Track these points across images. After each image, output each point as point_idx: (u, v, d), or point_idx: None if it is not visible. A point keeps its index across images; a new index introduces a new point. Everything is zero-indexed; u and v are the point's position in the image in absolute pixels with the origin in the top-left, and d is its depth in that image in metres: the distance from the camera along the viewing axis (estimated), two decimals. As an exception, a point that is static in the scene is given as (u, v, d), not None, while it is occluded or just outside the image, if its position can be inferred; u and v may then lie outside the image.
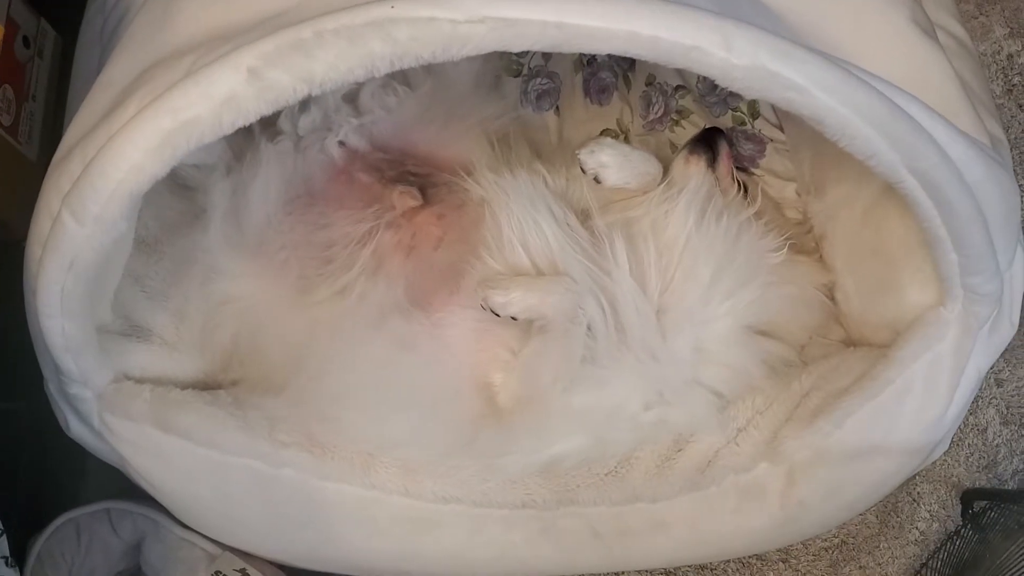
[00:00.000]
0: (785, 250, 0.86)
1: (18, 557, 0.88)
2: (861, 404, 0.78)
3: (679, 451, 0.85)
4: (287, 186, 0.89)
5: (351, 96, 0.91)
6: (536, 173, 0.90)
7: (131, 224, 0.69)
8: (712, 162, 0.91)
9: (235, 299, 0.88)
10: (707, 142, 0.92)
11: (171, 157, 0.64)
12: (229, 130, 0.63)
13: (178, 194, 0.87)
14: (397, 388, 0.84)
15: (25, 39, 1.00)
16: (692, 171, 0.90)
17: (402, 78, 0.92)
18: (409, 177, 0.93)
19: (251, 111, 0.62)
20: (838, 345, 0.89)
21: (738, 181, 0.94)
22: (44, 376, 0.82)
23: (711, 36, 0.59)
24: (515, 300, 0.79)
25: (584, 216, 0.87)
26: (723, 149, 0.93)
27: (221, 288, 0.88)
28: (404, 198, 0.90)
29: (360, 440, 0.84)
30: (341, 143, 0.91)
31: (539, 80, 1.02)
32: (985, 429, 0.99)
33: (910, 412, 0.79)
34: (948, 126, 0.69)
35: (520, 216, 0.84)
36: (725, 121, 1.01)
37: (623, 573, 1.01)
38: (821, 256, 0.92)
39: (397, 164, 0.93)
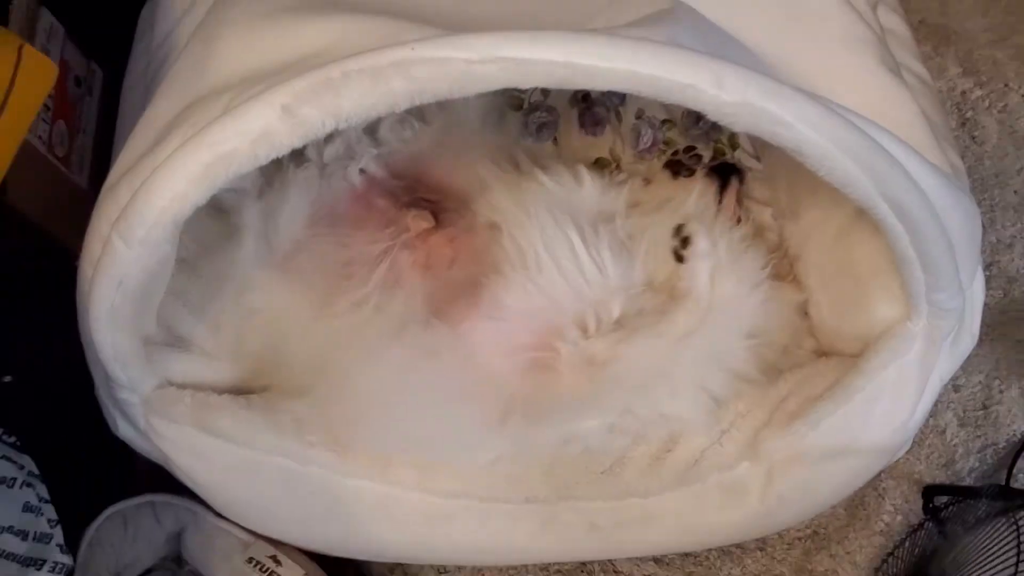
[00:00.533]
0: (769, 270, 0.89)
1: (71, 545, 0.89)
2: (834, 409, 0.79)
3: (668, 451, 0.86)
4: (312, 208, 0.91)
5: (371, 129, 0.92)
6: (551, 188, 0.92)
7: (174, 246, 0.70)
8: (721, 191, 0.93)
9: (264, 310, 0.89)
10: (721, 173, 0.95)
11: (210, 186, 0.65)
12: (263, 162, 0.64)
13: (214, 216, 0.88)
14: (422, 392, 0.85)
15: (77, 79, 1.02)
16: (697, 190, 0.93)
17: (417, 113, 0.93)
18: (422, 202, 0.95)
19: (284, 144, 0.63)
20: (811, 355, 0.90)
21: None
22: (95, 382, 0.82)
23: (704, 75, 0.61)
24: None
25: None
26: (733, 184, 0.96)
27: (252, 300, 0.89)
28: (418, 221, 0.92)
29: (384, 441, 0.85)
30: (361, 171, 0.93)
31: (539, 113, 1.03)
32: (944, 430, 1.00)
33: (879, 416, 0.80)
34: (918, 158, 0.71)
35: (544, 227, 0.86)
36: (707, 152, 1.02)
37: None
38: (795, 275, 0.92)
39: (411, 190, 0.95)
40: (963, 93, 1.15)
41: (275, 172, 0.90)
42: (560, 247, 0.86)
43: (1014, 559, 0.73)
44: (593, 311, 0.86)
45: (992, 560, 0.76)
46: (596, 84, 0.61)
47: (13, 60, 0.68)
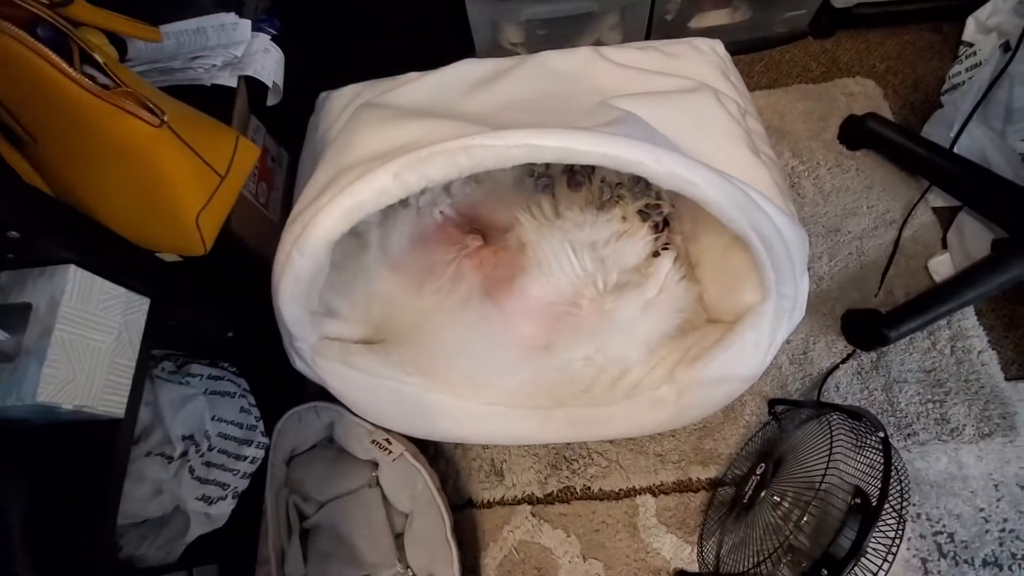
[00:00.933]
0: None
1: (267, 431, 0.88)
2: (720, 354, 0.76)
3: (620, 378, 0.83)
4: (411, 232, 0.88)
5: (447, 186, 0.89)
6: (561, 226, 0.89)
7: (328, 257, 0.67)
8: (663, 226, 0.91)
9: (382, 292, 0.86)
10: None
11: (350, 222, 0.63)
12: (382, 207, 0.62)
13: (352, 236, 0.84)
14: (478, 341, 0.83)
15: (272, 158, 0.99)
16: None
17: (474, 178, 0.90)
18: (476, 230, 0.91)
19: (394, 196, 0.61)
20: (703, 322, 0.86)
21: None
22: (282, 336, 0.79)
23: (648, 156, 0.58)
24: None
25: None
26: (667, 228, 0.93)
27: (375, 285, 0.86)
28: (474, 240, 0.89)
29: (455, 371, 0.82)
30: (441, 212, 0.89)
31: (543, 179, 0.99)
32: (780, 366, 0.97)
33: (746, 359, 0.77)
34: (771, 205, 0.67)
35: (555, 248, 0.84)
36: (642, 203, 0.97)
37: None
38: (695, 276, 0.88)
39: (470, 224, 0.92)
40: (792, 168, 1.11)
41: (389, 211, 0.86)
42: (562, 259, 0.84)
43: (827, 445, 0.69)
44: (578, 291, 0.84)
45: (814, 445, 0.72)
46: (582, 160, 0.58)
47: (233, 144, 0.65)
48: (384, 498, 0.88)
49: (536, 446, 0.96)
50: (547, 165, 1.03)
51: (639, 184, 0.99)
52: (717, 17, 1.20)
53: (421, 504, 0.86)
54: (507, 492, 0.94)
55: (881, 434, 0.66)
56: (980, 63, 1.10)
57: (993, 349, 0.95)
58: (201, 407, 0.82)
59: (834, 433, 0.69)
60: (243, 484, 0.83)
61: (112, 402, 0.62)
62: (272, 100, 0.85)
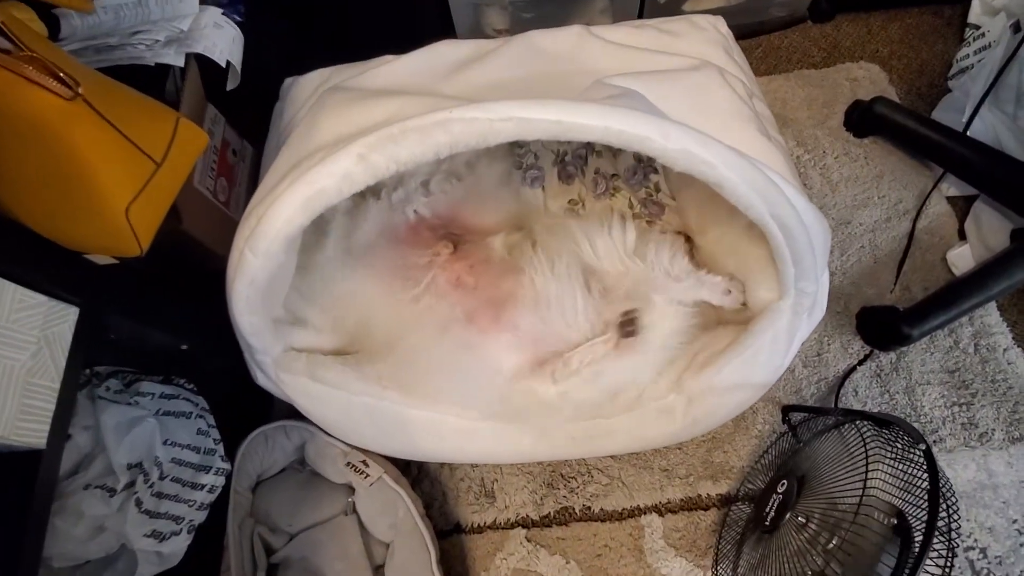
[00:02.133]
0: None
1: (229, 455, 0.78)
2: (733, 359, 0.68)
3: (622, 391, 0.74)
4: (381, 226, 0.78)
5: (425, 183, 0.80)
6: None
7: (288, 255, 0.58)
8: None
9: (353, 295, 0.76)
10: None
11: (310, 213, 0.54)
12: (346, 195, 0.53)
13: (320, 234, 0.76)
14: (463, 369, 0.73)
15: (234, 151, 0.90)
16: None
17: (455, 172, 0.81)
18: (451, 235, 0.82)
19: (359, 182, 0.52)
20: (713, 322, 0.78)
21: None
22: (242, 348, 0.70)
23: (656, 130, 0.50)
24: None
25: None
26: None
27: (343, 285, 0.76)
28: (444, 248, 0.79)
29: (435, 395, 0.73)
30: (415, 211, 0.80)
31: (532, 171, 0.91)
32: (794, 370, 0.90)
33: (761, 363, 0.69)
34: (792, 187, 0.60)
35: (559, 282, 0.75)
36: (640, 194, 0.90)
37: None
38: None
39: (445, 227, 0.82)
40: (797, 157, 1.04)
41: (359, 202, 0.78)
42: (567, 299, 0.74)
43: (862, 458, 0.60)
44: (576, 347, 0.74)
45: (844, 459, 0.64)
46: (580, 136, 0.49)
47: (172, 126, 0.56)
48: (362, 526, 0.79)
49: (530, 463, 0.87)
50: (536, 156, 0.95)
51: (636, 175, 0.92)
52: (712, 0, 1.13)
53: (403, 532, 0.77)
54: (499, 515, 0.85)
55: (923, 446, 0.58)
56: (989, 45, 1.05)
57: (1019, 346, 0.88)
58: (151, 430, 0.72)
59: (868, 444, 0.61)
60: (200, 516, 0.73)
61: (29, 431, 0.52)
62: (231, 84, 0.76)
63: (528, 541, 0.83)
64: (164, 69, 0.70)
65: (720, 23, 0.83)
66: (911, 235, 0.95)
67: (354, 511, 0.80)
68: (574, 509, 0.85)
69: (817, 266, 0.64)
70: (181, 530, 0.71)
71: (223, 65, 0.71)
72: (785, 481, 0.69)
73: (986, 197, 0.96)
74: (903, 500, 0.59)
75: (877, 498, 0.59)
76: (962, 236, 0.96)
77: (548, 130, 0.48)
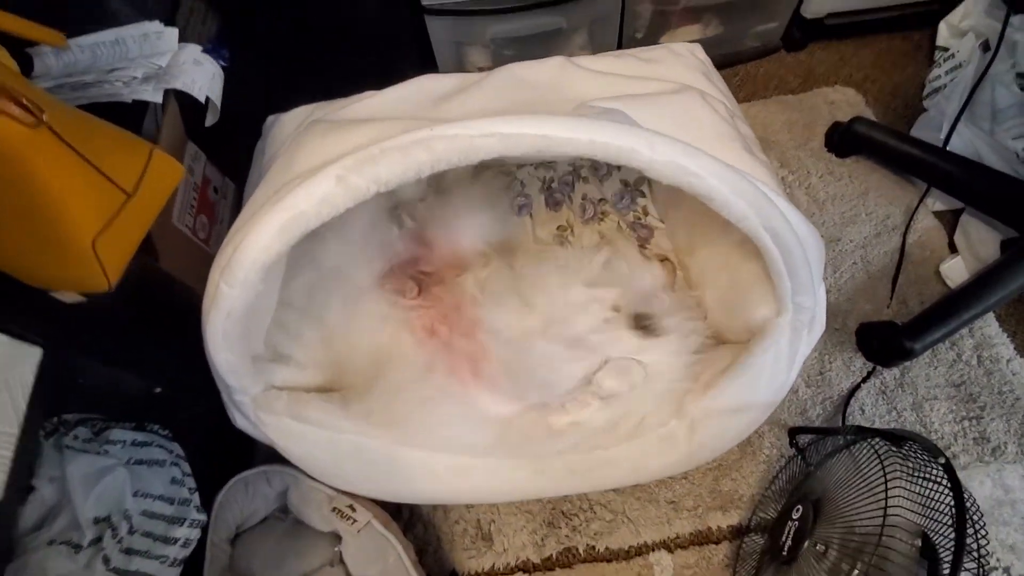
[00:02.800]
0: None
1: (206, 505, 0.73)
2: (735, 379, 0.65)
3: (621, 420, 0.70)
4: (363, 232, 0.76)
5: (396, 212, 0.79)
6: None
7: (266, 285, 0.56)
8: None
9: (337, 321, 0.74)
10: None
11: (288, 239, 0.51)
12: (326, 219, 0.50)
13: (312, 268, 0.74)
14: (447, 417, 0.70)
15: (215, 188, 0.88)
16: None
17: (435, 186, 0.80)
18: (421, 273, 0.79)
19: (339, 205, 0.50)
20: (711, 343, 0.75)
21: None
22: (219, 388, 0.66)
23: (643, 142, 0.49)
24: None
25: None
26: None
27: (329, 320, 0.74)
28: (410, 291, 0.78)
29: (430, 429, 0.69)
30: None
31: (520, 198, 0.91)
32: (797, 390, 0.87)
33: (764, 382, 0.66)
34: (784, 200, 0.58)
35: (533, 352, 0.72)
36: (629, 218, 0.89)
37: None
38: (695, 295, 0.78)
39: (414, 263, 0.80)
40: (783, 178, 1.04)
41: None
42: (546, 353, 0.72)
43: (880, 477, 0.57)
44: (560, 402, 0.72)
45: (860, 479, 0.61)
46: (566, 150, 0.48)
47: (145, 158, 0.54)
48: (350, 578, 0.73)
49: (530, 501, 0.82)
50: (523, 184, 0.94)
51: (623, 200, 0.91)
52: (688, 33, 1.16)
53: (394, 583, 0.71)
54: (498, 559, 0.79)
55: (942, 460, 0.55)
56: (960, 64, 1.07)
57: (1022, 356, 0.86)
58: (120, 481, 0.67)
59: (885, 463, 0.58)
60: (173, 574, 0.68)
61: (-19, 483, 0.48)
62: (210, 120, 0.75)
63: (530, 587, 0.78)
64: (143, 106, 0.69)
65: (698, 50, 0.84)
66: (902, 249, 0.95)
67: (341, 561, 0.74)
68: (578, 549, 0.79)
69: (814, 279, 0.62)
70: (152, 590, 0.66)
71: (202, 101, 0.70)
72: (800, 506, 0.65)
73: (972, 210, 0.96)
74: (925, 518, 0.55)
75: (901, 518, 0.55)
76: (953, 249, 0.95)
77: (533, 144, 0.46)
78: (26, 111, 0.42)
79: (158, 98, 0.66)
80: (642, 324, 0.74)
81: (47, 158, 0.44)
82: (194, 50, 0.69)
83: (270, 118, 0.87)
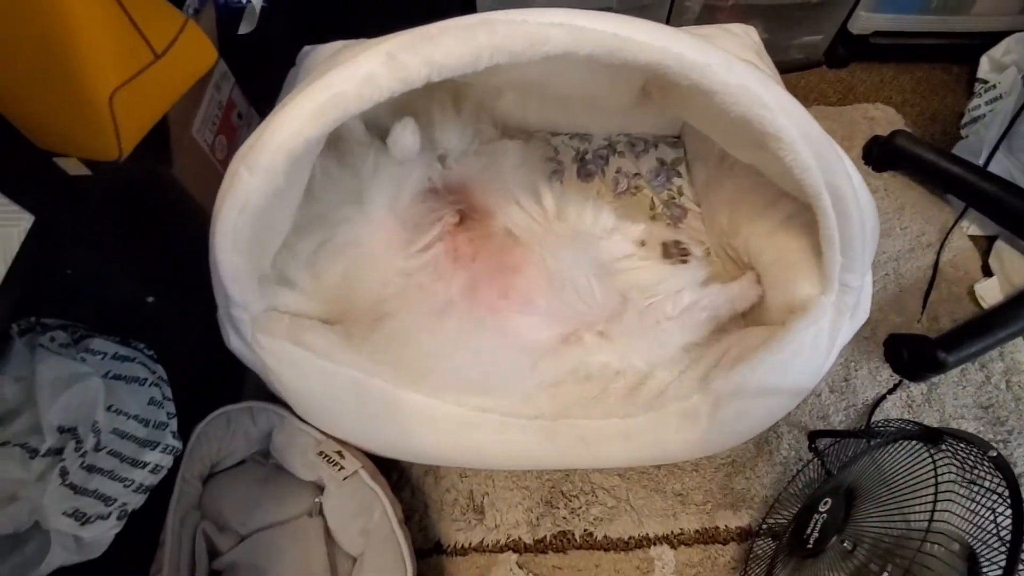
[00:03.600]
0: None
1: (183, 435, 0.66)
2: (771, 356, 0.61)
3: (641, 384, 0.66)
4: (393, 185, 0.71)
5: (443, 156, 0.77)
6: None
7: (288, 183, 0.51)
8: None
9: (351, 260, 0.69)
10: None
11: (323, 124, 0.47)
12: (368, 104, 0.46)
13: (350, 170, 0.70)
14: (473, 351, 0.65)
15: (239, 113, 0.84)
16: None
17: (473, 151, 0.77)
18: (457, 208, 0.76)
19: (384, 88, 0.45)
20: (738, 325, 0.71)
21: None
22: (217, 303, 0.61)
23: (719, 60, 0.46)
24: None
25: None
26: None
27: (354, 232, 0.69)
28: (448, 215, 0.75)
29: (447, 383, 0.64)
30: (430, 179, 0.75)
31: (552, 163, 0.88)
32: (820, 394, 0.83)
33: (799, 365, 0.62)
34: (849, 160, 0.54)
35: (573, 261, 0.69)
36: (663, 196, 0.85)
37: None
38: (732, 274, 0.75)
39: (456, 201, 0.77)
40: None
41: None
42: (582, 273, 0.69)
43: (931, 476, 0.52)
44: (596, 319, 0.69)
45: (907, 476, 0.56)
46: (636, 56, 0.44)
47: (179, 26, 0.50)
48: (327, 533, 0.67)
49: (528, 476, 0.77)
50: (556, 150, 0.91)
51: (659, 177, 0.88)
52: (732, 35, 1.15)
53: (376, 541, 0.65)
54: (488, 535, 0.73)
55: (993, 453, 0.50)
56: (1000, 96, 1.06)
57: (1054, 387, 0.82)
58: (94, 391, 0.61)
59: (938, 465, 0.52)
60: (136, 500, 0.61)
61: (-59, 342, 0.42)
62: (245, 27, 0.72)
63: (520, 568, 0.71)
64: (180, 1, 0.66)
65: (752, 32, 0.82)
66: (935, 266, 0.92)
67: (320, 513, 0.68)
68: (574, 534, 0.73)
69: (865, 256, 0.59)
70: (110, 514, 0.59)
71: (243, 1, 0.66)
72: (829, 499, 0.60)
73: (1007, 235, 0.94)
74: (971, 524, 0.50)
75: (948, 524, 0.50)
76: (986, 272, 0.92)
77: (603, 43, 0.43)
78: (63, -74, 0.38)
79: (198, -10, 0.63)
80: (671, 252, 0.70)
81: (78, -15, 0.40)
82: (242, -50, 0.66)
83: (306, 48, 0.83)
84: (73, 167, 0.51)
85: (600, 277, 0.66)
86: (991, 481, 0.50)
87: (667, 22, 1.10)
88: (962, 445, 0.55)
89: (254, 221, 0.52)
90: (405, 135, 0.68)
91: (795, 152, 0.49)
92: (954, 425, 0.79)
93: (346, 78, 0.45)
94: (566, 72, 0.62)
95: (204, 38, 0.53)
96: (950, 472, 0.53)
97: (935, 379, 0.82)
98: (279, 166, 0.48)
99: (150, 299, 0.66)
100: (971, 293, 0.89)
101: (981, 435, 0.79)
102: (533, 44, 0.43)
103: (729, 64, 0.45)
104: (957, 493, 0.52)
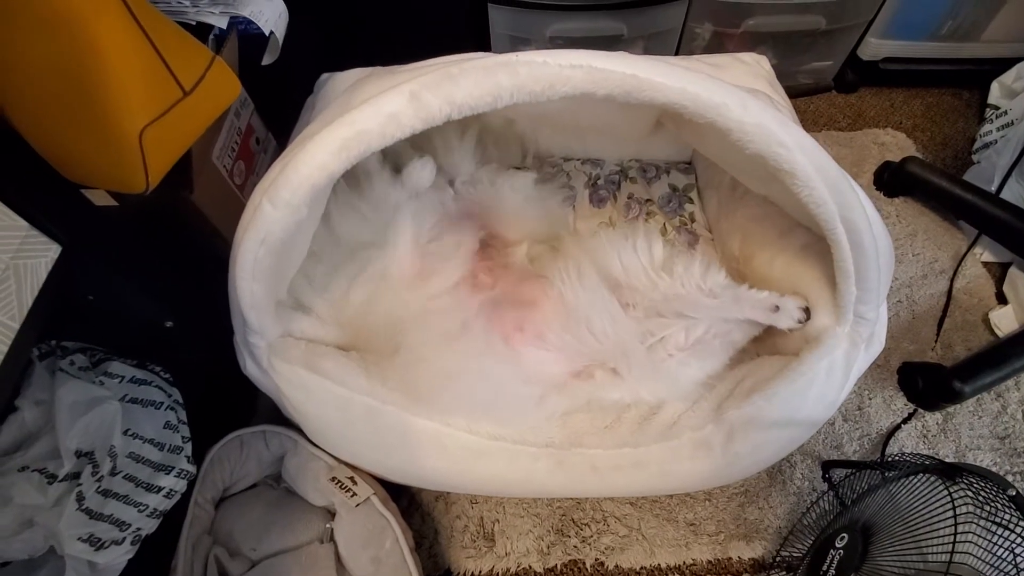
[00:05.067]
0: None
1: (197, 459, 0.67)
2: (785, 387, 0.60)
3: (654, 414, 0.66)
4: (415, 225, 0.71)
5: (451, 181, 0.77)
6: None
7: (310, 212, 0.52)
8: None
9: (368, 294, 0.69)
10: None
11: (346, 159, 0.48)
12: (390, 141, 0.47)
13: (375, 208, 0.70)
14: (482, 378, 0.64)
15: (257, 139, 0.86)
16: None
17: (478, 180, 0.78)
18: (479, 232, 0.77)
19: (407, 126, 0.46)
20: (753, 355, 0.71)
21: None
22: (234, 329, 0.62)
23: (735, 99, 0.46)
24: None
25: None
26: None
27: (361, 285, 0.69)
28: (470, 241, 0.74)
29: (455, 405, 0.63)
30: (443, 203, 0.75)
31: (564, 189, 0.89)
32: (834, 423, 0.82)
33: (814, 396, 0.61)
34: (863, 193, 0.54)
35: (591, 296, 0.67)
36: (675, 222, 0.86)
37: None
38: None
39: (469, 222, 0.77)
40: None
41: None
42: (596, 312, 0.67)
43: (949, 514, 0.52)
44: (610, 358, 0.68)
45: (923, 513, 0.55)
46: (655, 96, 0.45)
47: (207, 62, 0.51)
48: (338, 559, 0.67)
49: (539, 504, 0.76)
50: (568, 176, 0.92)
51: (671, 203, 0.88)
52: (742, 60, 1.16)
53: (387, 570, 0.64)
54: (498, 563, 0.73)
55: (1011, 492, 0.50)
56: (1012, 122, 1.06)
57: (1072, 418, 0.81)
58: (111, 415, 0.62)
59: (956, 500, 0.52)
60: (150, 525, 0.62)
61: (-31, 371, 0.43)
62: (268, 58, 0.73)
63: (530, 597, 0.71)
64: (204, 32, 0.68)
65: (764, 61, 0.83)
66: (949, 293, 0.91)
67: (331, 539, 0.68)
68: (585, 564, 0.73)
69: (881, 289, 0.59)
70: (124, 539, 0.59)
71: (267, 33, 0.68)
72: (845, 535, 0.59)
73: (1021, 263, 0.93)
74: (990, 566, 0.50)
75: (967, 566, 0.49)
76: (1001, 299, 0.92)
77: (621, 83, 0.44)
78: (101, -27, 0.40)
79: (223, 23, 0.64)
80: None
81: (112, 27, 0.41)
82: (266, -17, 0.68)
83: (324, 75, 0.85)
84: (100, 199, 0.52)
85: (616, 317, 0.66)
86: (1011, 520, 0.50)
87: (677, 49, 1.12)
88: (979, 481, 0.54)
89: (275, 252, 0.53)
90: (424, 172, 0.69)
91: (810, 188, 0.50)
92: (970, 456, 0.78)
93: (369, 115, 0.46)
94: (582, 107, 0.63)
95: (230, 73, 0.54)
96: (967, 508, 0.52)
97: (950, 408, 0.82)
98: (302, 200, 0.49)
99: (168, 324, 0.67)
100: (986, 321, 0.89)
101: (998, 467, 0.78)
102: (553, 85, 0.44)
103: (744, 104, 0.45)
104: (975, 533, 0.52)
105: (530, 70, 0.43)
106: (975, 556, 0.50)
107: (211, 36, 0.68)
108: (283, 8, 0.71)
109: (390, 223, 0.68)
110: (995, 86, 1.16)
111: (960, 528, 0.50)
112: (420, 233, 0.69)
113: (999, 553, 0.51)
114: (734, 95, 0.45)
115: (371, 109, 0.46)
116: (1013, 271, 0.95)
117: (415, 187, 0.71)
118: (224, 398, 0.76)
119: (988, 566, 0.50)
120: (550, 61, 0.43)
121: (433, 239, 0.70)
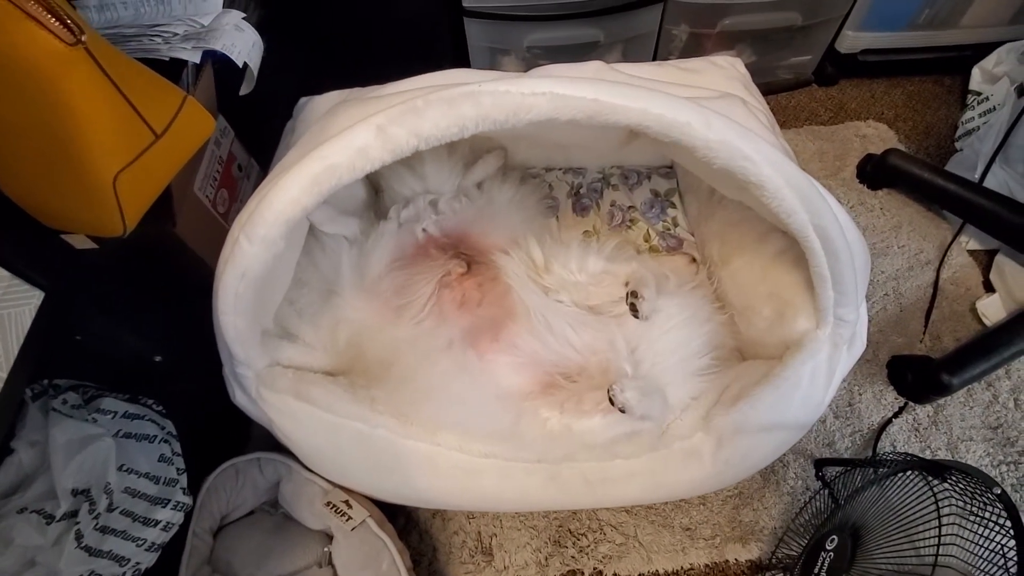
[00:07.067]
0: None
1: (193, 489, 0.68)
2: (769, 393, 0.61)
3: (643, 424, 0.65)
4: (391, 251, 0.74)
5: (434, 202, 0.77)
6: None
7: (288, 245, 0.53)
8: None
9: (350, 319, 0.71)
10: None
11: (318, 193, 0.49)
12: (360, 174, 0.48)
13: (320, 249, 0.71)
14: (459, 393, 0.66)
15: (239, 166, 0.87)
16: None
17: (465, 193, 0.78)
18: (462, 255, 0.78)
19: (375, 159, 0.47)
20: (734, 360, 0.71)
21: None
22: (222, 361, 0.63)
23: (698, 118, 0.47)
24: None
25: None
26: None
27: (343, 312, 0.71)
28: (458, 267, 0.76)
29: (432, 421, 0.65)
30: (424, 230, 0.76)
31: (547, 199, 0.89)
32: (825, 420, 0.83)
33: (799, 399, 0.62)
34: (834, 200, 0.55)
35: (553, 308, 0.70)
36: (659, 228, 0.87)
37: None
38: (725, 306, 0.74)
39: (455, 247, 0.78)
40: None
41: (369, 227, 0.75)
42: (558, 317, 0.69)
43: (933, 511, 0.52)
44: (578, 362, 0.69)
45: (909, 512, 0.56)
46: (619, 119, 0.46)
47: (178, 103, 0.52)
48: (337, 583, 0.68)
49: (535, 516, 0.77)
50: (551, 187, 0.93)
51: (653, 209, 0.89)
52: (721, 59, 1.17)
53: (386, 591, 0.66)
54: (497, 577, 0.74)
55: (997, 490, 0.50)
56: (994, 108, 1.07)
57: (1063, 403, 0.82)
58: (105, 452, 0.63)
59: (939, 499, 0.53)
60: (149, 559, 0.62)
61: (-41, 424, 0.44)
62: (245, 89, 0.74)
63: (530, 610, 0.72)
64: (178, 67, 0.68)
65: (738, 63, 0.84)
66: (936, 284, 0.92)
67: (330, 563, 0.69)
68: (583, 573, 0.74)
69: (859, 291, 0.59)
70: (124, 574, 0.60)
71: (240, 66, 0.69)
72: (835, 537, 0.60)
73: (1008, 249, 0.94)
74: (979, 557, 0.50)
75: (954, 557, 0.50)
76: (988, 288, 0.92)
77: (584, 109, 0.44)
78: (65, 28, 0.41)
79: (196, 58, 0.65)
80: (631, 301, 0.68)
81: (80, 80, 0.42)
82: (236, 16, 0.69)
83: (303, 99, 0.86)
84: (80, 242, 0.53)
85: (581, 323, 0.67)
86: (997, 517, 0.50)
87: (655, 51, 1.12)
88: (965, 479, 0.55)
89: (255, 286, 0.53)
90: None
91: (779, 199, 0.50)
92: (963, 448, 0.79)
93: (338, 150, 0.47)
94: (553, 128, 0.64)
95: (202, 111, 0.55)
96: (953, 506, 0.53)
97: (941, 401, 0.82)
98: (277, 234, 0.50)
99: (158, 358, 0.67)
100: (973, 310, 0.89)
101: (991, 457, 0.79)
102: (516, 113, 0.44)
103: (708, 121, 0.46)
104: (963, 527, 0.52)
105: (494, 100, 0.44)
106: (960, 553, 0.50)
107: (185, 72, 0.69)
108: (256, 38, 0.72)
109: (333, 276, 0.69)
110: (976, 72, 1.16)
111: (945, 526, 0.51)
112: (363, 276, 0.70)
113: (989, 547, 0.52)
114: (697, 113, 0.46)
115: (340, 144, 0.47)
116: (1000, 258, 0.95)
117: (322, 226, 0.71)
118: (217, 427, 0.77)
119: (975, 564, 0.51)
120: (512, 90, 0.44)
121: (394, 273, 0.71)
